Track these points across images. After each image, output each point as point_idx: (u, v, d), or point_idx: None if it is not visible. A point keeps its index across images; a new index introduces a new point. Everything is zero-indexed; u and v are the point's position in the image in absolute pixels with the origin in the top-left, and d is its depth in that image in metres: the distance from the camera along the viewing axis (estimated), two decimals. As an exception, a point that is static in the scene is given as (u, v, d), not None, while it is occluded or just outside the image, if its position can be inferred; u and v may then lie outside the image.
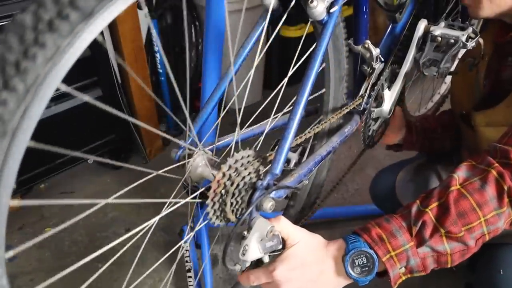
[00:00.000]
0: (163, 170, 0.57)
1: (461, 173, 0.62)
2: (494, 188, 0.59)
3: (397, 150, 1.28)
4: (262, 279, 0.61)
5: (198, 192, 0.61)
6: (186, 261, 1.24)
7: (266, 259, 0.59)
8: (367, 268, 0.58)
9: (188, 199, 0.61)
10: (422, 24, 0.92)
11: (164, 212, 0.60)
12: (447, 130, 1.19)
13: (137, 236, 0.56)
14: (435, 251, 0.60)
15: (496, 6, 0.80)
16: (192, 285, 1.20)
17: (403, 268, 0.60)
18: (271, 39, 0.72)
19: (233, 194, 0.57)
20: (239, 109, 0.61)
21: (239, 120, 0.61)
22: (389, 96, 1.00)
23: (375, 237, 0.59)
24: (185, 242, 1.27)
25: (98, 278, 1.19)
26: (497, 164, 0.60)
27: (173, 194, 0.63)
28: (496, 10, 0.81)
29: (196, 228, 1.14)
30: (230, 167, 0.56)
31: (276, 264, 0.58)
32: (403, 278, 0.61)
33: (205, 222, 0.65)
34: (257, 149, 0.63)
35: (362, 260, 0.58)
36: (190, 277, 1.21)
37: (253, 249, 0.56)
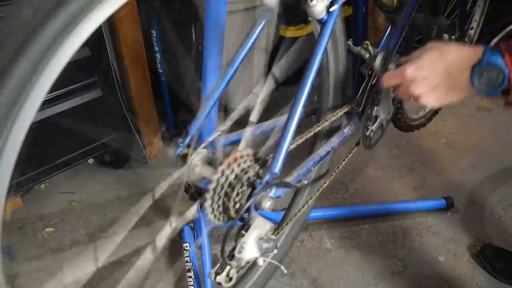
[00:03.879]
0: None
1: None
2: None
3: None
4: (393, 80, 0.70)
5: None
6: (186, 261, 1.24)
7: (260, 262, 0.59)
8: (493, 83, 0.60)
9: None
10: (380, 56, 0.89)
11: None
12: None
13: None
14: None
15: None
16: (192, 285, 1.20)
17: None
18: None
19: (232, 193, 0.57)
20: (238, 109, 0.61)
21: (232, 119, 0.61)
22: (388, 98, 1.00)
23: None
24: (185, 242, 1.27)
25: (98, 278, 1.19)
26: None
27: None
28: None
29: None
30: (228, 166, 0.56)
31: (407, 65, 0.65)
32: None
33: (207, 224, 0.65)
34: (257, 148, 0.63)
35: (491, 74, 0.59)
36: (190, 277, 1.21)
37: (250, 247, 0.56)
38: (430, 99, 0.68)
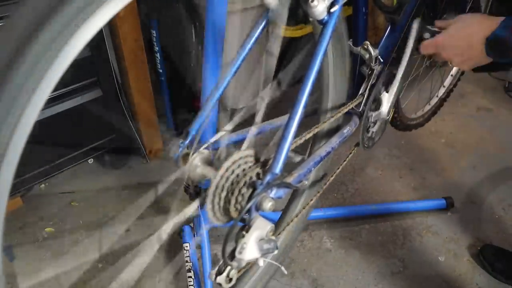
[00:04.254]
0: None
1: None
2: None
3: None
4: (429, 49, 0.87)
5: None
6: (186, 261, 1.24)
7: (261, 263, 0.59)
8: (504, 54, 0.71)
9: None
10: (416, 24, 0.93)
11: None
12: None
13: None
14: None
15: None
16: (192, 285, 1.20)
17: None
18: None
19: (232, 194, 0.57)
20: (237, 109, 0.61)
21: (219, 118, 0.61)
22: (388, 98, 1.00)
23: None
24: (185, 242, 1.27)
25: (98, 278, 1.19)
26: None
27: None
28: None
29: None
30: (229, 166, 0.56)
31: (439, 35, 0.84)
32: None
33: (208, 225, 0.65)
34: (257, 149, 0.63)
35: (500, 46, 0.70)
36: (190, 277, 1.21)
37: (251, 248, 0.56)
38: (459, 64, 0.84)
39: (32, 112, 0.36)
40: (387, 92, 0.99)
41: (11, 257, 1.34)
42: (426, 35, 0.92)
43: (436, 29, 0.91)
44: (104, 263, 1.29)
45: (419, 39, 0.95)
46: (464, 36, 0.79)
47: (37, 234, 1.43)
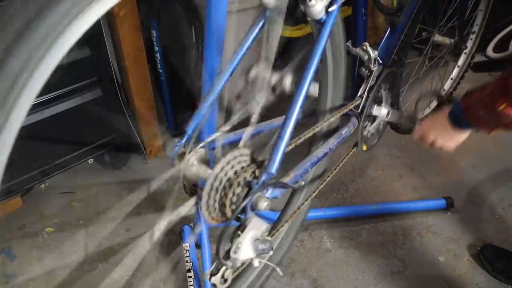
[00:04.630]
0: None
1: None
2: None
3: None
4: (418, 134, 1.02)
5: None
6: (186, 261, 1.24)
7: (256, 263, 0.59)
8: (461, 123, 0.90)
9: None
10: None
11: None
12: None
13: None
14: None
15: None
16: (192, 285, 1.20)
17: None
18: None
19: (228, 193, 0.57)
20: (240, 113, 0.61)
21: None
22: (387, 99, 1.00)
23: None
24: (185, 242, 1.27)
25: (98, 278, 1.19)
26: None
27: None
28: None
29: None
30: (223, 167, 0.56)
31: (423, 124, 1.01)
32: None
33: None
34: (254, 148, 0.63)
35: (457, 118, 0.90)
36: (190, 277, 1.21)
37: (246, 248, 0.55)
38: (442, 142, 0.98)
39: (20, 111, 0.35)
40: (386, 93, 0.99)
41: (11, 256, 1.34)
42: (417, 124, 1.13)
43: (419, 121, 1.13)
44: (104, 262, 1.29)
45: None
46: (437, 124, 0.96)
47: (37, 234, 1.43)
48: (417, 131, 1.03)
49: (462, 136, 0.95)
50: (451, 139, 0.97)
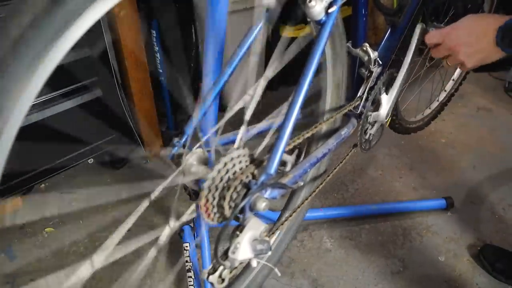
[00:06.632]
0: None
1: None
2: None
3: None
4: (435, 38, 0.82)
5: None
6: (186, 261, 1.24)
7: (254, 264, 0.59)
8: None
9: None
10: (419, 29, 0.93)
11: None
12: None
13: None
14: None
15: None
16: (192, 285, 1.20)
17: None
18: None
19: (227, 193, 0.57)
20: (233, 109, 0.61)
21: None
22: (387, 100, 1.00)
23: None
24: (185, 242, 1.27)
25: (98, 278, 1.19)
26: None
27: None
28: None
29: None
30: (220, 169, 0.56)
31: (446, 27, 0.79)
32: None
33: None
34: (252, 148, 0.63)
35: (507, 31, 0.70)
36: (190, 277, 1.21)
37: (244, 248, 0.55)
38: (466, 57, 0.79)
39: (17, 117, 0.35)
40: (386, 94, 0.99)
41: (11, 256, 1.34)
42: (431, 30, 0.91)
43: (442, 26, 0.90)
44: (104, 263, 1.29)
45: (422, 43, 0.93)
46: (474, 27, 0.77)
47: (37, 234, 1.43)
48: (434, 34, 0.83)
49: (495, 56, 0.76)
50: (478, 56, 0.78)
